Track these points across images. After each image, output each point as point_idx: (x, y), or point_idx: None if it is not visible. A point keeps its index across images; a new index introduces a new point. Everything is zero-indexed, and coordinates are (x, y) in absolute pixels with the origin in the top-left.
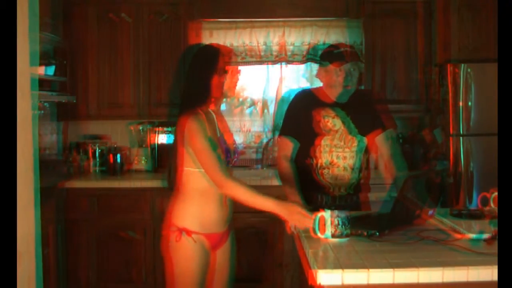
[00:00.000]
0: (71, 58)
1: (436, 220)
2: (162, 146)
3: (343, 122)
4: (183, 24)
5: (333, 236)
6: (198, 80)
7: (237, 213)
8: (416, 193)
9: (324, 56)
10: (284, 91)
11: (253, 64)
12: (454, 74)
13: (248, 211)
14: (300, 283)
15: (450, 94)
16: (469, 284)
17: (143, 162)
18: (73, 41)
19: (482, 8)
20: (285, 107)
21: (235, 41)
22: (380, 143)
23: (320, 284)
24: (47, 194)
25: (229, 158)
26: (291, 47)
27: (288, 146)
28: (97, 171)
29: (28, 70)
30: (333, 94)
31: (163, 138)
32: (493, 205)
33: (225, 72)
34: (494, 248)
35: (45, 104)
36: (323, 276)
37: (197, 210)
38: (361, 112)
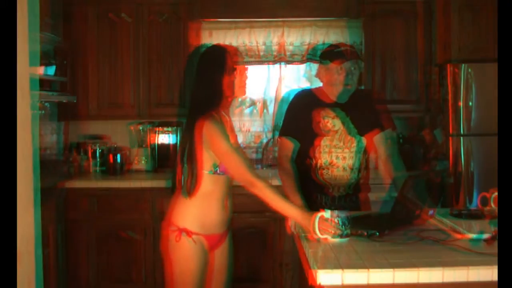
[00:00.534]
0: (71, 58)
1: (436, 220)
2: (162, 146)
3: (343, 123)
4: (183, 24)
5: (333, 236)
6: (209, 81)
7: (237, 213)
8: (416, 193)
9: (325, 55)
10: (283, 91)
11: (252, 64)
12: (454, 74)
13: (248, 211)
14: (300, 283)
15: (450, 94)
16: (469, 284)
17: (143, 162)
18: (73, 41)
19: (482, 8)
20: (285, 107)
21: (235, 41)
22: (378, 143)
23: (320, 284)
24: (47, 194)
25: None
26: (291, 47)
27: (289, 146)
28: (97, 171)
29: (28, 70)
30: (333, 94)
31: (163, 138)
32: (493, 205)
33: (234, 70)
34: (494, 248)
35: (46, 104)
36: (323, 276)
37: (199, 212)
38: (360, 112)
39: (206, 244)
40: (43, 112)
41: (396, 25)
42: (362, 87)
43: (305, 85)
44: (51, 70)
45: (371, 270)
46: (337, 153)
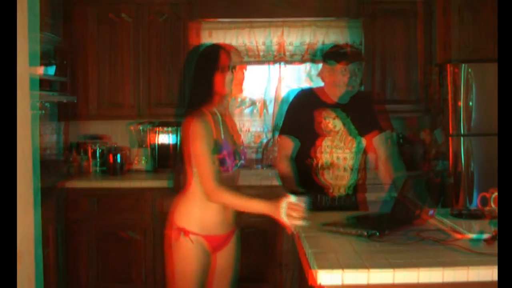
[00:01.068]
0: (71, 58)
1: (436, 220)
2: (162, 146)
3: (344, 123)
4: (183, 24)
5: (301, 219)
6: (201, 78)
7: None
8: (416, 193)
9: (330, 55)
10: (283, 91)
11: (252, 64)
12: (454, 74)
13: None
14: (300, 283)
15: (450, 94)
16: (469, 284)
17: (143, 162)
18: (73, 41)
19: (482, 8)
20: (285, 107)
21: (235, 41)
22: (378, 144)
23: (320, 284)
24: (47, 194)
25: (236, 160)
26: (291, 47)
27: (289, 145)
28: (97, 171)
29: (28, 70)
30: (335, 94)
31: (163, 138)
32: (493, 205)
33: (229, 69)
34: (494, 248)
35: (46, 104)
36: (323, 276)
37: (198, 212)
38: (361, 114)
39: (207, 245)
40: (43, 112)
41: (396, 25)
42: (362, 88)
43: (305, 85)
44: (51, 70)
45: (371, 270)
46: (338, 153)
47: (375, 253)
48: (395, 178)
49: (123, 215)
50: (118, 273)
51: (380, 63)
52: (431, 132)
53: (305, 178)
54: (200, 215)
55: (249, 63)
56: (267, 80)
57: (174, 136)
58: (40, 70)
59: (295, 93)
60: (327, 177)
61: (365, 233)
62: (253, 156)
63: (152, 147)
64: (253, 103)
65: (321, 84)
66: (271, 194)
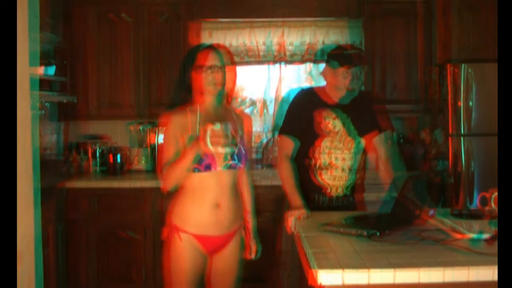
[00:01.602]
0: (71, 58)
1: (436, 220)
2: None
3: (343, 124)
4: (183, 24)
5: (224, 145)
6: (180, 77)
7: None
8: (416, 193)
9: (334, 57)
10: (283, 91)
11: (252, 64)
12: (454, 74)
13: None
14: (300, 283)
15: (450, 94)
16: (470, 284)
17: (143, 162)
18: (73, 41)
19: (482, 8)
20: (285, 107)
21: (235, 41)
22: (378, 144)
23: (320, 284)
24: (47, 194)
25: (228, 160)
26: (291, 47)
27: (289, 145)
28: (97, 171)
29: (28, 70)
30: (336, 96)
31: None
32: (493, 205)
33: (207, 69)
34: (494, 248)
35: (46, 104)
36: (323, 276)
37: (185, 209)
38: (361, 114)
39: (199, 245)
40: (43, 112)
41: (396, 25)
42: (362, 88)
43: (306, 84)
44: (51, 70)
45: (371, 270)
46: (337, 154)
47: (375, 253)
48: (395, 178)
49: (123, 215)
50: (118, 273)
51: (380, 63)
52: (431, 132)
53: (303, 178)
54: (192, 214)
55: (249, 63)
56: (267, 80)
57: None
58: (40, 70)
59: (296, 92)
60: (325, 178)
61: (365, 233)
62: (253, 156)
63: (152, 147)
64: (253, 103)
65: (322, 83)
66: (271, 194)
